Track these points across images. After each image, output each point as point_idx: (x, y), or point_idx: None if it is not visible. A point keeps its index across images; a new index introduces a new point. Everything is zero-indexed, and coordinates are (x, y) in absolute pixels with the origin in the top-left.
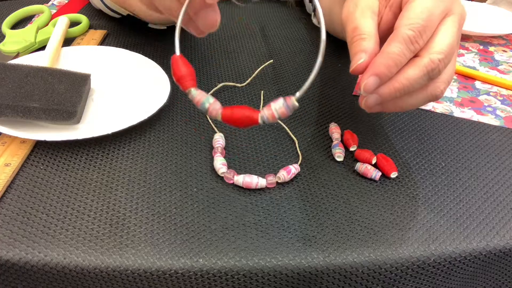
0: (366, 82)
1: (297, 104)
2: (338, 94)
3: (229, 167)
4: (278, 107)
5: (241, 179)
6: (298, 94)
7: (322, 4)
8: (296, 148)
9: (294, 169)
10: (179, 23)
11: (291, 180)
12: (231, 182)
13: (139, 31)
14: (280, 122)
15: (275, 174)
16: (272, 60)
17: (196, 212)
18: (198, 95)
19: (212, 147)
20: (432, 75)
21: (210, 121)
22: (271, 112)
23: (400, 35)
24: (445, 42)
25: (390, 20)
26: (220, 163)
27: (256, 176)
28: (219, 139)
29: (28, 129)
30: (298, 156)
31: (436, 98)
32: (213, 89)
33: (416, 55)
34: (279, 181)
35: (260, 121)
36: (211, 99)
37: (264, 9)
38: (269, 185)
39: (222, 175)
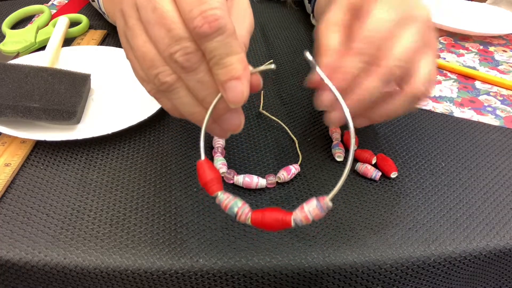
0: (321, 98)
1: (330, 204)
2: None
3: (229, 167)
4: (311, 208)
5: (241, 179)
6: (331, 194)
7: (321, 4)
8: (296, 148)
9: (294, 169)
10: (204, 128)
11: (291, 180)
12: (231, 182)
13: None
14: (280, 122)
15: (275, 174)
16: (272, 60)
17: (196, 212)
18: (226, 200)
19: (212, 147)
20: (388, 79)
21: None
22: (305, 215)
23: (352, 48)
24: (401, 49)
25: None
26: (220, 163)
27: (256, 176)
28: (219, 139)
29: (28, 129)
30: (298, 156)
31: (418, 98)
32: None
33: (376, 65)
34: (279, 181)
35: (293, 224)
36: (240, 203)
37: (264, 9)
38: (269, 185)
39: (222, 175)
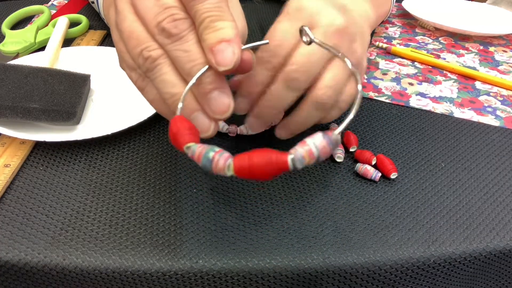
0: (237, 103)
1: (339, 137)
2: None
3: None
4: (318, 142)
5: (221, 125)
6: (340, 127)
7: None
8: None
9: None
10: (185, 93)
11: (290, 181)
12: (234, 135)
13: None
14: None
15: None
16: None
17: (196, 213)
18: (199, 148)
19: None
20: (292, 85)
21: None
22: (309, 148)
23: (258, 58)
24: (299, 56)
25: None
26: (222, 124)
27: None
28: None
29: (28, 130)
30: None
31: (322, 105)
32: None
33: (280, 71)
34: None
35: (290, 164)
36: (217, 148)
37: (264, 9)
38: (231, 134)
39: (227, 131)
